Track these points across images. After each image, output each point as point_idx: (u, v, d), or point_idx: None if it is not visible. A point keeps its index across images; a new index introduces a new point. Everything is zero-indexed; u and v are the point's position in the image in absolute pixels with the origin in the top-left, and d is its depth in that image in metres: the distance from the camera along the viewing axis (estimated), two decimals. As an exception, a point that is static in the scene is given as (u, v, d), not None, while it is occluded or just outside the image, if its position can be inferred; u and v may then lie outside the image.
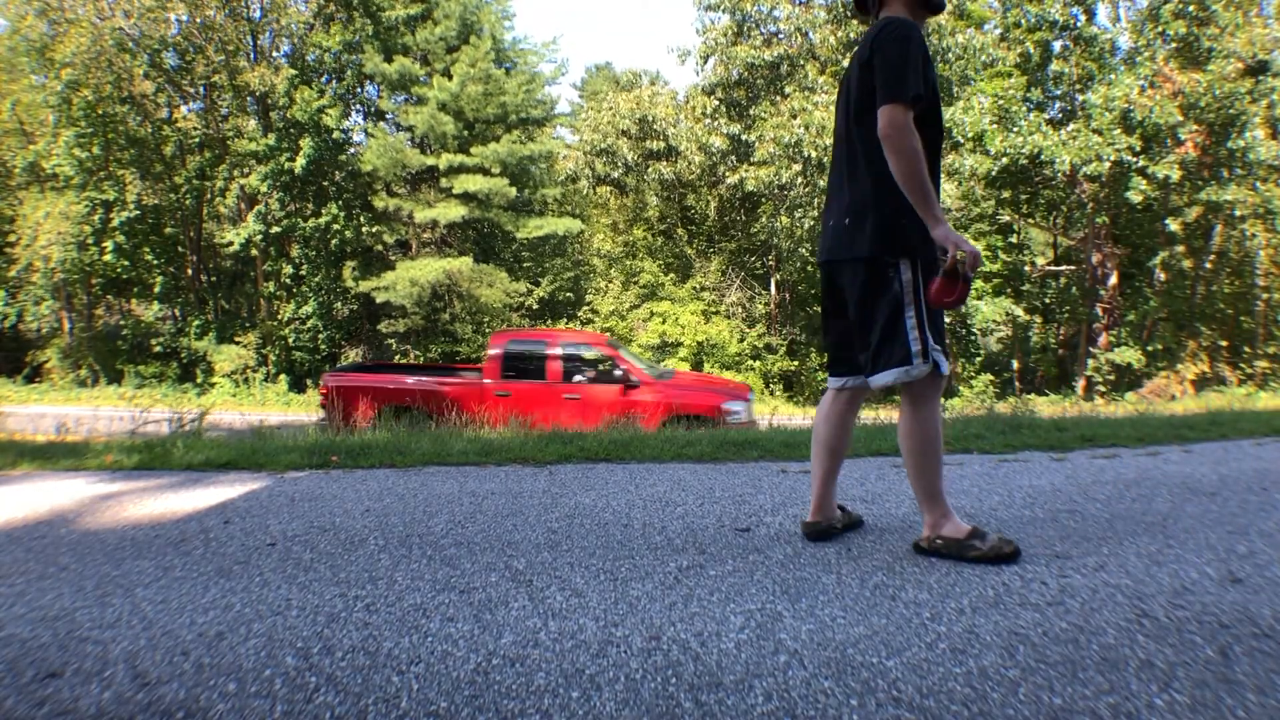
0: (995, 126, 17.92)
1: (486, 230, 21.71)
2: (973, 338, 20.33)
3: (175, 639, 1.85)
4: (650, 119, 20.03)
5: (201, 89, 21.03)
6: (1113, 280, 19.99)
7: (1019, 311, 21.10)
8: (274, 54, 21.33)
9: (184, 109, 22.08)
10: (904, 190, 2.22)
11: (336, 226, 20.22)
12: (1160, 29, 17.57)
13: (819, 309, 21.96)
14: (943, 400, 2.59)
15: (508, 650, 1.77)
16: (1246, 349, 19.34)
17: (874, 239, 2.30)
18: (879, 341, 2.32)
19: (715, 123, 18.83)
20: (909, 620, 1.91)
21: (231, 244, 20.13)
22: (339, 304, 21.70)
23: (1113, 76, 18.03)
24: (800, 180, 17.15)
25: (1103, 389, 18.79)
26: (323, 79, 20.96)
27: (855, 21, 18.12)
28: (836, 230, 2.40)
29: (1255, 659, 1.65)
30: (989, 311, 19.79)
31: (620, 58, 70.25)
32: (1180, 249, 19.48)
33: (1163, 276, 20.05)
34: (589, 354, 9.19)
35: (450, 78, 20.17)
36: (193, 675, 1.66)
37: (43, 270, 19.39)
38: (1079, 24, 19.04)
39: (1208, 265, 19.50)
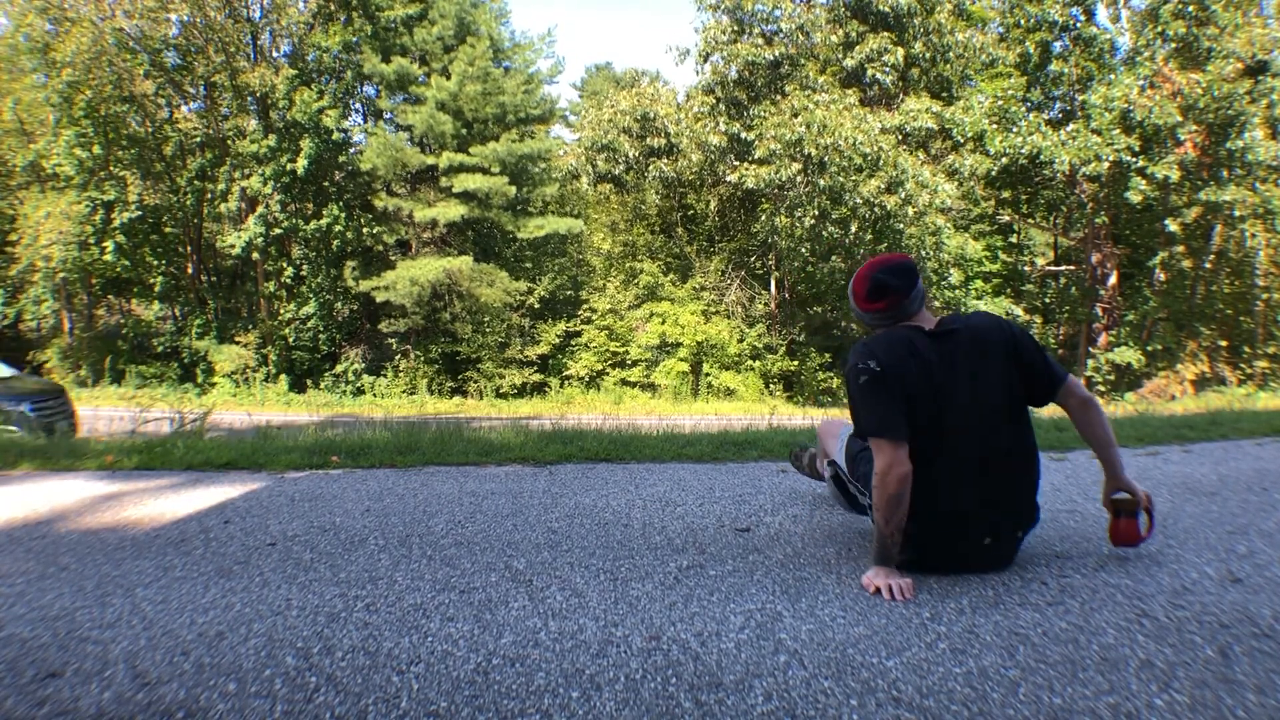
0: (995, 127, 17.92)
1: (486, 230, 21.69)
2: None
3: (175, 639, 1.85)
4: (651, 116, 20.00)
5: (202, 89, 21.00)
6: (1112, 280, 19.99)
7: (1019, 311, 21.09)
8: (274, 54, 21.31)
9: (184, 109, 22.06)
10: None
11: (338, 227, 20.21)
12: (1160, 29, 17.54)
13: (818, 309, 21.99)
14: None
15: (508, 650, 1.77)
16: (1246, 349, 19.31)
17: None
18: None
19: (715, 121, 18.80)
20: (909, 620, 1.91)
21: (234, 247, 20.13)
22: (339, 304, 21.68)
23: (1112, 77, 18.02)
24: (800, 178, 17.12)
25: (1103, 389, 18.77)
26: (322, 79, 20.93)
27: (856, 22, 18.11)
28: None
29: (1255, 659, 1.65)
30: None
31: (620, 58, 70.27)
32: (1180, 249, 19.45)
33: (1162, 276, 20.04)
34: None
35: (448, 77, 20.16)
36: (193, 675, 1.66)
37: (43, 270, 19.35)
38: (1079, 24, 19.03)
39: (1207, 265, 19.48)
